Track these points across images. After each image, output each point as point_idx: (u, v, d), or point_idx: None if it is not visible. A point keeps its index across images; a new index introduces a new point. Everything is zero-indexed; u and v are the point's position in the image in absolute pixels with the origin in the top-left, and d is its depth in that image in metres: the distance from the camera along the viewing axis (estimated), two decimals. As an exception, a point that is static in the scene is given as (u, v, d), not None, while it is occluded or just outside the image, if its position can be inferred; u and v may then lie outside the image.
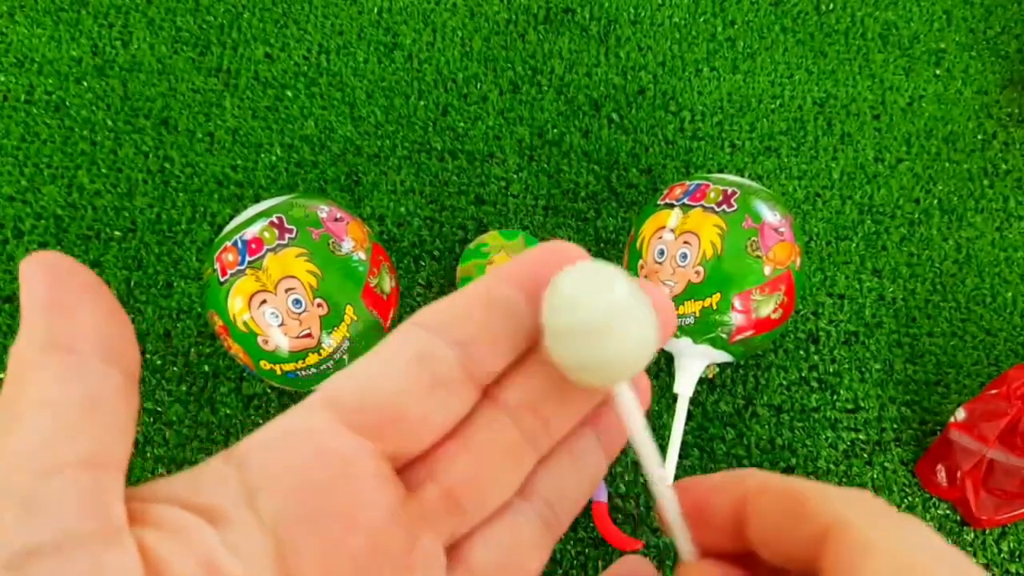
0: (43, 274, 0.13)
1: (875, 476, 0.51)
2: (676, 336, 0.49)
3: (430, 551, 0.15)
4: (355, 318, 0.45)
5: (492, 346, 0.16)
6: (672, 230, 0.48)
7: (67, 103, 0.62)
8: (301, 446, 0.14)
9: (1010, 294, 0.57)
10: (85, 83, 0.62)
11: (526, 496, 0.17)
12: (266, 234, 0.44)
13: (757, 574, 0.16)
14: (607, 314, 0.15)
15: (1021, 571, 0.48)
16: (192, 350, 0.53)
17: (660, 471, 0.16)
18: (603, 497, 0.50)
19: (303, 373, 0.46)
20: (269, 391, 0.52)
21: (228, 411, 0.51)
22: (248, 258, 0.44)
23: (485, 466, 0.16)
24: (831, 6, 0.68)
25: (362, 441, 0.15)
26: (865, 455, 0.51)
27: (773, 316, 0.47)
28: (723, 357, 0.49)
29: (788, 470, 0.51)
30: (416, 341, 0.15)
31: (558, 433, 0.17)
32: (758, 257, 0.46)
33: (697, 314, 0.47)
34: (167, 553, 0.12)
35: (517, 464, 0.16)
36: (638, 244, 0.49)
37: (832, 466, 0.51)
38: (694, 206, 0.47)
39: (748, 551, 0.16)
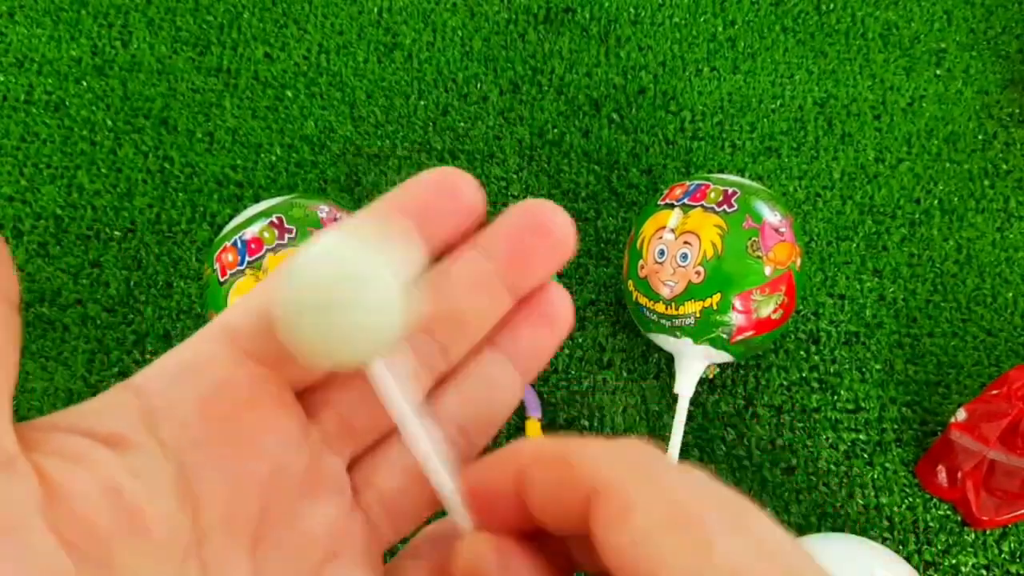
0: None
1: (876, 476, 0.51)
2: (677, 336, 0.48)
3: (333, 473, 0.16)
4: (355, 318, 0.45)
5: None
6: (672, 230, 0.47)
7: (67, 103, 0.62)
8: (202, 377, 0.14)
9: (1011, 294, 0.57)
10: (85, 83, 0.62)
11: (428, 415, 0.17)
12: (266, 234, 0.44)
13: (544, 546, 0.16)
14: (328, 286, 0.13)
15: (1021, 572, 0.48)
16: (192, 350, 0.53)
17: (428, 449, 0.15)
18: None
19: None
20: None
21: (228, 411, 0.51)
22: (248, 258, 0.44)
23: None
24: (831, 6, 0.68)
25: (263, 370, 0.15)
26: (866, 455, 0.51)
27: (774, 316, 0.47)
28: (723, 357, 0.49)
29: (789, 471, 0.51)
30: None
31: (456, 357, 0.17)
32: (758, 257, 0.46)
33: (697, 314, 0.47)
34: (66, 478, 0.12)
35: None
36: (638, 244, 0.49)
37: (833, 467, 0.51)
38: (694, 206, 0.47)
39: (537, 527, 0.15)
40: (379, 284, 0.13)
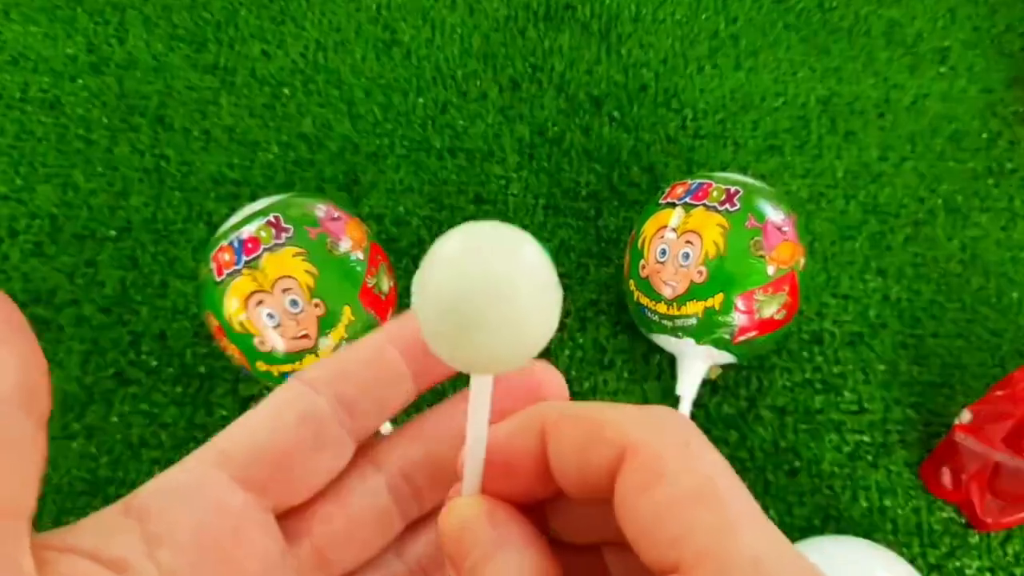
0: None
1: (880, 479, 0.50)
2: (679, 337, 0.48)
3: None
4: (353, 318, 0.45)
5: (373, 407, 0.17)
6: (674, 229, 0.47)
7: (62, 101, 0.61)
8: (198, 502, 0.16)
9: (1016, 294, 0.57)
10: (80, 81, 0.62)
11: (399, 554, 0.18)
12: (263, 233, 0.44)
13: (535, 518, 0.16)
14: (504, 285, 0.12)
15: (1027, 575, 0.48)
16: (188, 351, 0.53)
17: (480, 454, 0.15)
18: None
19: (300, 374, 0.45)
20: (265, 392, 0.51)
21: (224, 413, 0.51)
22: (244, 258, 0.43)
23: (355, 530, 0.17)
24: (835, 3, 0.67)
25: (251, 497, 0.16)
26: (870, 457, 0.51)
27: (776, 317, 0.47)
28: (726, 358, 0.48)
29: (792, 473, 0.50)
30: (302, 401, 0.17)
31: (429, 504, 0.18)
32: (761, 257, 0.45)
33: (700, 315, 0.46)
34: None
35: (385, 530, 0.18)
36: (640, 244, 0.49)
37: (836, 468, 0.50)
38: (696, 205, 0.47)
39: (553, 495, 0.16)
40: (547, 292, 0.13)
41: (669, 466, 0.13)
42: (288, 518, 0.17)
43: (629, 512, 0.13)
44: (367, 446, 0.18)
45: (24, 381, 0.13)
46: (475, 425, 0.15)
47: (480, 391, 0.14)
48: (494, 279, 0.12)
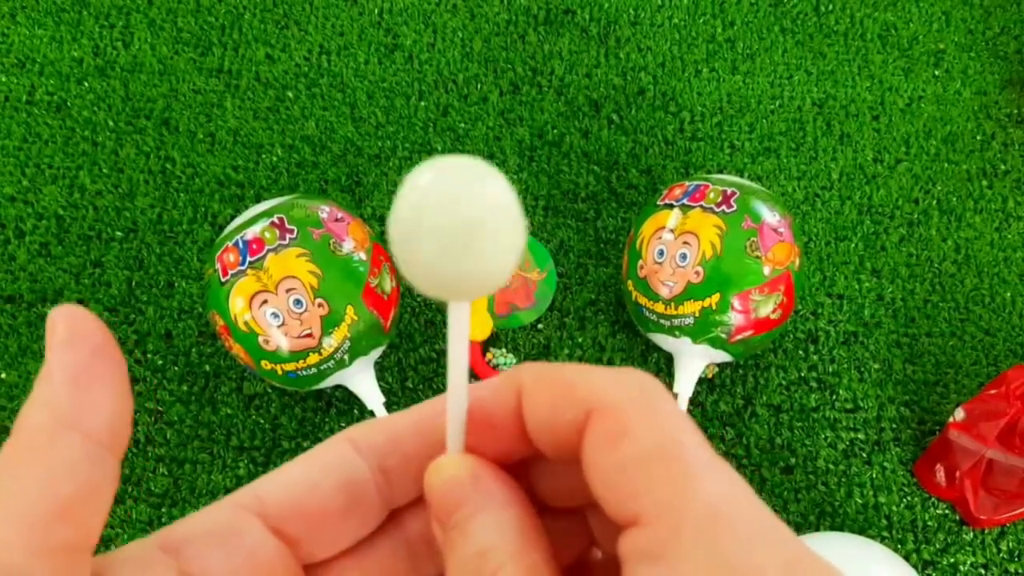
0: (69, 337, 0.14)
1: (874, 476, 0.51)
2: (676, 336, 0.49)
3: None
4: (356, 318, 0.45)
5: (412, 479, 0.17)
6: (672, 230, 0.48)
7: (68, 104, 0.62)
8: (232, 547, 0.16)
9: (1009, 294, 0.57)
10: (86, 84, 0.63)
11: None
12: (267, 234, 0.44)
13: (522, 480, 0.16)
14: (473, 215, 0.13)
15: (1020, 570, 0.48)
16: (193, 350, 0.53)
17: (462, 380, 0.16)
18: None
19: (304, 373, 0.46)
20: (270, 391, 0.52)
21: (229, 411, 0.52)
22: (249, 258, 0.44)
23: None
24: (830, 7, 0.68)
25: (283, 548, 0.16)
26: (864, 455, 0.51)
27: (772, 316, 0.47)
28: (722, 357, 0.49)
29: (788, 470, 0.51)
30: (346, 466, 0.17)
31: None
32: (757, 257, 0.46)
33: (696, 314, 0.47)
34: None
35: None
36: (638, 244, 0.50)
37: (831, 465, 0.51)
38: (693, 206, 0.48)
39: (536, 456, 0.16)
40: (513, 220, 0.13)
41: (633, 424, 0.13)
42: (316, 572, 0.17)
43: (595, 468, 0.14)
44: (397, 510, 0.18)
45: (114, 423, 0.13)
46: (455, 354, 0.15)
47: (457, 320, 0.15)
48: (462, 206, 0.13)
